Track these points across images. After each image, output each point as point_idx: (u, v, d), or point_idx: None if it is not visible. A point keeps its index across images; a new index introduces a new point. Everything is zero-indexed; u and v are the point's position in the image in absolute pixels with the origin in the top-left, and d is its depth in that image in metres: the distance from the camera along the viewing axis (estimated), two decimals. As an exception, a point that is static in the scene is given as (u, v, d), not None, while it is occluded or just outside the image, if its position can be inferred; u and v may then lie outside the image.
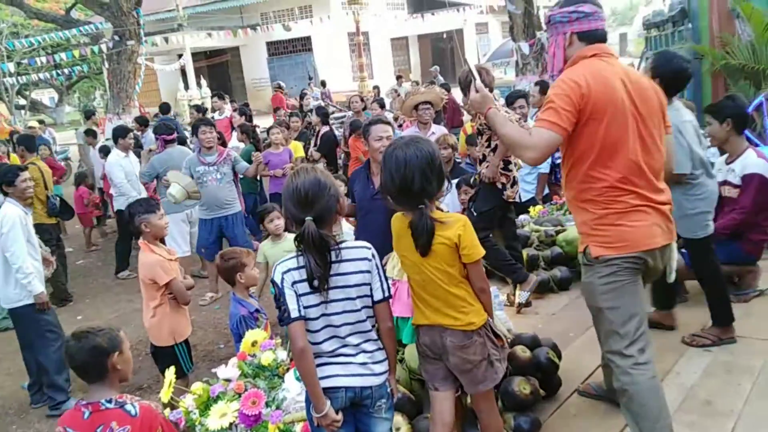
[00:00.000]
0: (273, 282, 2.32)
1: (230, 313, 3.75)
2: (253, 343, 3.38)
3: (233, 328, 3.66)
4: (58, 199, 6.91)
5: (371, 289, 2.38)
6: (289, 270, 2.30)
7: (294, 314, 2.26)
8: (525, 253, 4.90)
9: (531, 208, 5.94)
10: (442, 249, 2.41)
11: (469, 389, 2.59)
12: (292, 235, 4.03)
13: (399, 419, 2.94)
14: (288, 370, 3.18)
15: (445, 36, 32.47)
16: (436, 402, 2.63)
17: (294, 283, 2.28)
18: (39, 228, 6.84)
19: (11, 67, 19.66)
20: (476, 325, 2.49)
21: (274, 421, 2.85)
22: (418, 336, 2.64)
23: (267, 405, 2.97)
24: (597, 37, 2.73)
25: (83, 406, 2.30)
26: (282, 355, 3.30)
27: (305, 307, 2.29)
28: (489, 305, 2.56)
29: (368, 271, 2.37)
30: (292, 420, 2.89)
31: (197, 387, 3.15)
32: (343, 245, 2.33)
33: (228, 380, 3.19)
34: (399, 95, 14.04)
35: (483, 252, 2.49)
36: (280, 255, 3.93)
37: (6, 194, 4.75)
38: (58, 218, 7.08)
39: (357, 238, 3.59)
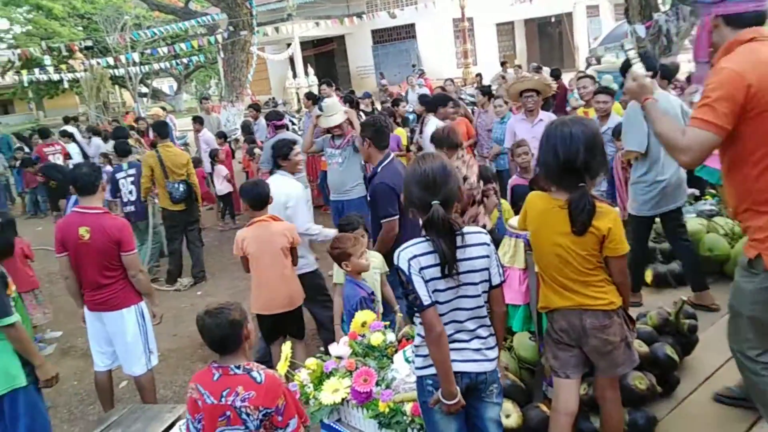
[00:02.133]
0: (398, 269, 2.34)
1: (346, 295, 3.84)
2: (363, 324, 3.47)
3: (351, 309, 3.74)
4: (180, 186, 7.00)
5: (489, 274, 2.39)
6: (414, 256, 2.31)
7: (426, 301, 2.28)
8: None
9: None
10: (589, 236, 2.40)
11: (608, 372, 2.56)
12: (374, 253, 4.09)
13: (509, 406, 2.92)
14: (396, 351, 3.25)
15: (553, 20, 31.44)
16: (562, 390, 2.61)
17: (421, 269, 2.29)
18: (162, 215, 7.30)
19: (135, 56, 21.04)
20: (616, 305, 2.48)
21: (385, 400, 2.91)
22: (551, 322, 2.62)
23: (377, 384, 3.04)
24: (748, 20, 2.42)
25: (215, 368, 2.44)
26: (391, 336, 3.37)
27: (432, 292, 2.31)
28: (627, 297, 2.54)
29: (487, 256, 2.37)
30: (401, 399, 2.94)
31: (311, 362, 3.28)
32: (464, 230, 2.34)
33: (340, 357, 3.30)
34: (506, 81, 13.80)
35: (628, 248, 2.47)
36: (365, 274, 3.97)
37: (279, 167, 5.00)
38: (185, 204, 7.19)
39: None
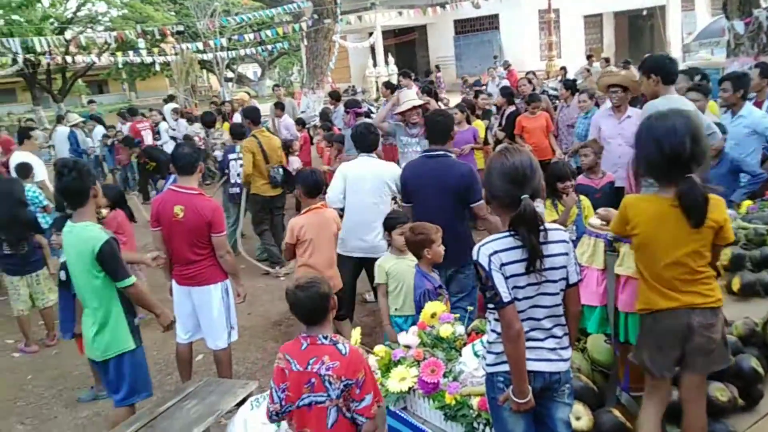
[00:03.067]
0: (476, 263, 2.31)
1: (414, 285, 3.86)
2: (432, 315, 3.47)
3: (417, 300, 3.76)
4: (280, 170, 7.20)
5: (567, 272, 2.34)
6: (495, 252, 2.28)
7: (506, 298, 2.25)
8: (729, 251, 4.48)
9: (736, 204, 5.40)
10: (706, 230, 2.36)
11: (703, 369, 2.52)
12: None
13: (580, 408, 2.85)
14: (465, 344, 3.23)
15: (645, 12, 30.21)
16: (657, 390, 2.57)
17: (502, 265, 2.27)
18: (254, 199, 7.48)
19: (223, 42, 21.69)
20: (722, 302, 2.45)
21: (452, 392, 2.90)
22: (652, 323, 2.54)
23: (445, 375, 3.04)
24: None
25: (303, 339, 2.59)
26: (460, 329, 3.35)
27: (512, 289, 2.28)
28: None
29: (567, 254, 2.33)
30: (469, 393, 2.92)
31: (380, 349, 3.31)
32: (547, 227, 2.30)
33: (408, 347, 3.31)
34: (590, 75, 13.39)
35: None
36: (406, 272, 3.98)
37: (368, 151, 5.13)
38: (283, 189, 7.38)
39: None
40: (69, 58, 23.00)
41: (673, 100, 4.12)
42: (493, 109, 10.36)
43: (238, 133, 8.00)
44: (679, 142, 2.29)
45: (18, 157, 7.33)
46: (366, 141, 5.02)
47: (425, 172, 4.47)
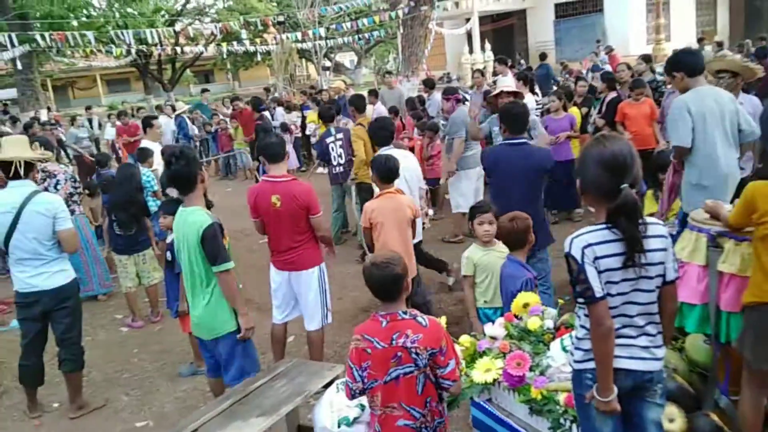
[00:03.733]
0: (569, 256, 2.24)
1: (510, 275, 3.77)
2: (525, 305, 3.40)
3: (516, 289, 3.67)
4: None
5: (665, 269, 2.23)
6: (590, 244, 2.20)
7: (599, 293, 2.18)
8: None
9: None
10: None
11: None
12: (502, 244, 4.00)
13: (674, 410, 2.73)
14: (554, 338, 3.15)
15: (765, -8, 28.03)
16: (755, 381, 2.50)
17: (596, 258, 2.19)
18: (361, 187, 7.61)
19: (321, 31, 22.12)
20: None
21: (538, 386, 2.85)
22: (760, 316, 2.42)
23: (531, 369, 2.98)
24: None
25: (381, 317, 2.64)
26: (549, 322, 3.28)
27: (605, 284, 2.21)
28: None
29: (665, 249, 2.22)
30: (555, 388, 2.86)
31: (465, 339, 3.29)
32: (646, 220, 2.21)
33: (494, 338, 3.27)
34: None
35: None
36: (495, 263, 3.90)
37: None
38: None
39: None
40: (178, 49, 24.20)
41: (702, 92, 4.13)
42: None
43: (327, 115, 8.20)
44: None
45: (144, 144, 7.85)
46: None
47: (505, 158, 4.57)
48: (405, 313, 2.63)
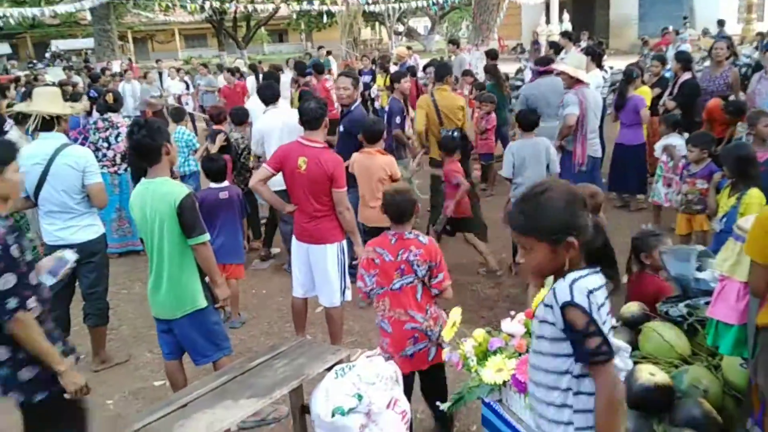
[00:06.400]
0: (573, 306, 1.88)
1: None
2: (546, 303, 3.15)
3: None
4: (455, 134, 6.41)
5: None
6: (591, 291, 1.89)
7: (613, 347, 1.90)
8: None
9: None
10: None
11: None
12: None
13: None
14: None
15: None
16: None
17: (600, 307, 1.89)
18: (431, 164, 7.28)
19: (394, -6, 21.70)
20: None
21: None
22: None
23: (545, 375, 2.75)
24: None
25: (391, 235, 3.31)
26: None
27: None
28: None
29: None
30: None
31: (479, 334, 3.07)
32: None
33: (511, 335, 3.04)
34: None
35: None
36: None
37: None
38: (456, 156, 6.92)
39: None
40: (250, 7, 24.24)
41: None
42: (669, 75, 9.27)
43: (397, 79, 7.41)
44: None
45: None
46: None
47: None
48: (410, 233, 3.30)
